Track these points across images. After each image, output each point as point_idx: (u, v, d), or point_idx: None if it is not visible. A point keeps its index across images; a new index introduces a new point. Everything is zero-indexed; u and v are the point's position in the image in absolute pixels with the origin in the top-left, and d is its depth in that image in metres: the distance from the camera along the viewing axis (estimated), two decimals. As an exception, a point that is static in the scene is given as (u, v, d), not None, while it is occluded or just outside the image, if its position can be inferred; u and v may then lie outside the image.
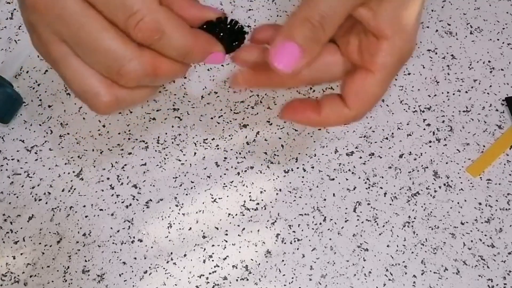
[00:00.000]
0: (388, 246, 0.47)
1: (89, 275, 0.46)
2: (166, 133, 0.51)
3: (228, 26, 0.31)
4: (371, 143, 0.51)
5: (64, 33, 0.27)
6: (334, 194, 0.49)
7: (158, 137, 0.51)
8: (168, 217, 0.48)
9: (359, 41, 0.32)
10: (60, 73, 0.29)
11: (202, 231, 0.47)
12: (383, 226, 0.48)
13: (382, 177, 0.49)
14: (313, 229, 0.47)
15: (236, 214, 0.48)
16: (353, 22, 0.32)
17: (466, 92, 0.53)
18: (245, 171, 0.50)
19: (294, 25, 0.29)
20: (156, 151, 0.51)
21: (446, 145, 0.51)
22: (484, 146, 0.51)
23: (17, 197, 0.49)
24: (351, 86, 0.32)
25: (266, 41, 0.34)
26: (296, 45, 0.29)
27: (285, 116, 0.34)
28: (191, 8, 0.29)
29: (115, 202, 0.49)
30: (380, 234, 0.47)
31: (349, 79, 0.32)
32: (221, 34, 0.31)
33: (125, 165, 0.50)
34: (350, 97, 0.32)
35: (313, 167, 0.50)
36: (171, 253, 0.47)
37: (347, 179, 0.49)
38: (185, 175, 0.50)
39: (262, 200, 0.49)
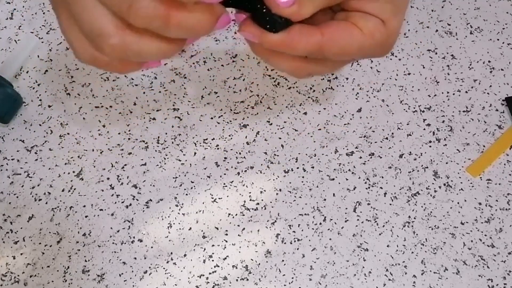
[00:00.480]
0: (388, 246, 0.47)
1: (89, 275, 0.46)
2: (166, 133, 0.51)
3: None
4: (371, 143, 0.51)
5: None
6: (334, 194, 0.49)
7: (158, 137, 0.51)
8: (168, 217, 0.48)
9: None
10: (73, 11, 0.28)
11: (202, 231, 0.47)
12: (383, 226, 0.48)
13: (382, 177, 0.49)
14: (313, 229, 0.47)
15: (236, 214, 0.48)
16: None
17: (466, 92, 0.53)
18: (245, 171, 0.50)
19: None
20: (156, 151, 0.51)
21: (446, 145, 0.51)
22: (484, 146, 0.51)
23: (17, 197, 0.49)
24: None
25: None
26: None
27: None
28: None
29: (115, 202, 0.49)
30: (380, 234, 0.47)
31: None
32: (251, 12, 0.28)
33: (125, 165, 0.50)
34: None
35: (313, 167, 0.50)
36: (171, 253, 0.47)
37: (347, 179, 0.49)
38: (185, 175, 0.50)
39: (262, 200, 0.49)
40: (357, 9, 0.31)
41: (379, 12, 0.31)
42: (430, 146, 0.51)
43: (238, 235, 0.47)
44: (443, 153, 0.51)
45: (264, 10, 0.28)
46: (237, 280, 0.46)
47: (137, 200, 0.49)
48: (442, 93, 0.53)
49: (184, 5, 0.28)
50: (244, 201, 0.49)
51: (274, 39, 0.30)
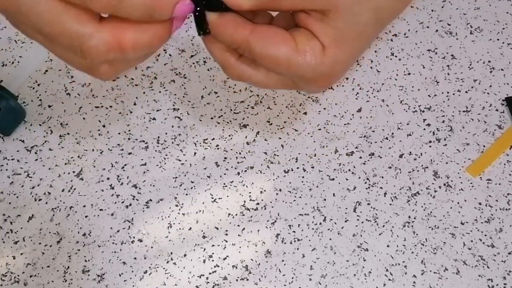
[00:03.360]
0: (388, 246, 0.47)
1: (89, 275, 0.46)
2: (166, 133, 0.51)
3: None
4: (371, 143, 0.51)
5: (29, 24, 0.28)
6: (334, 194, 0.49)
7: (158, 137, 0.51)
8: (168, 217, 0.48)
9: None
10: (43, 32, 0.29)
11: (202, 231, 0.47)
12: (383, 226, 0.48)
13: (382, 177, 0.49)
14: (313, 229, 0.47)
15: (236, 214, 0.48)
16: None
17: (466, 92, 0.53)
18: (245, 171, 0.50)
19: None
20: (156, 151, 0.51)
21: (446, 145, 0.51)
22: (484, 146, 0.51)
23: (17, 197, 0.49)
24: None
25: None
26: None
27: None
28: None
29: (115, 202, 0.49)
30: (380, 234, 0.47)
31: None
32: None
33: (125, 165, 0.50)
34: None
35: (313, 167, 0.50)
36: (171, 253, 0.47)
37: (347, 179, 0.49)
38: (185, 175, 0.50)
39: (262, 200, 0.49)
40: (304, 25, 0.30)
41: (321, 34, 0.30)
42: (430, 146, 0.51)
43: (238, 235, 0.47)
44: (443, 153, 0.51)
45: None
46: (237, 280, 0.46)
47: (137, 200, 0.49)
48: (442, 93, 0.53)
49: (133, 27, 0.28)
50: (244, 201, 0.49)
51: (208, 17, 0.30)
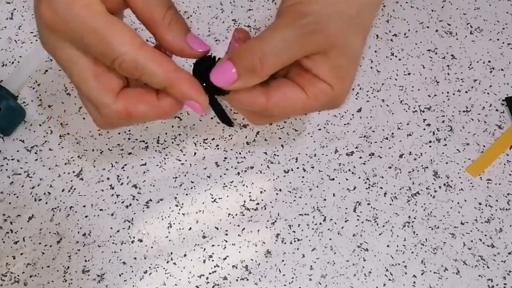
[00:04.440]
0: (388, 246, 0.47)
1: (89, 275, 0.46)
2: (166, 133, 0.51)
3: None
4: (371, 143, 0.51)
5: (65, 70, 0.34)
6: (334, 194, 0.49)
7: (158, 137, 0.51)
8: (168, 217, 0.48)
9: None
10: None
11: (202, 231, 0.47)
12: (383, 226, 0.48)
13: (382, 177, 0.49)
14: (313, 229, 0.47)
15: (236, 214, 0.48)
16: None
17: (466, 92, 0.53)
18: (245, 171, 0.50)
19: (240, 53, 0.33)
20: (156, 151, 0.51)
21: (446, 145, 0.51)
22: (484, 146, 0.51)
23: (17, 197, 0.49)
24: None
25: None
26: (234, 70, 0.33)
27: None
28: (177, 42, 0.34)
29: (115, 202, 0.49)
30: (380, 234, 0.47)
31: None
32: (205, 84, 0.34)
33: (125, 165, 0.50)
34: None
35: (313, 167, 0.50)
36: (171, 253, 0.47)
37: (347, 179, 0.49)
38: (185, 175, 0.50)
39: (262, 200, 0.49)
40: (308, 68, 0.34)
41: (327, 77, 0.33)
42: (430, 146, 0.51)
43: (238, 235, 0.47)
44: (443, 153, 0.51)
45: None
46: (237, 280, 0.46)
47: (137, 200, 0.49)
48: (442, 93, 0.53)
49: (145, 102, 0.34)
50: (244, 201, 0.49)
51: (225, 98, 0.35)
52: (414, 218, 0.48)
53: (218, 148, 0.51)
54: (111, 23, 0.31)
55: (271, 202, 0.48)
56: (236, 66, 0.33)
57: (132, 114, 0.34)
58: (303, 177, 0.49)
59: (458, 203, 0.49)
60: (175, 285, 0.45)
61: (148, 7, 0.33)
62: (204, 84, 0.34)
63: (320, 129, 0.51)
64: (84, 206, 0.48)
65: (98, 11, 0.31)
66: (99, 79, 0.33)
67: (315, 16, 0.31)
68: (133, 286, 0.45)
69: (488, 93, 0.53)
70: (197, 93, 0.33)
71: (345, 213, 0.48)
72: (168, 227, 0.48)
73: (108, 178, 0.50)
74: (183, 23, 0.34)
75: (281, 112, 0.35)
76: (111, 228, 0.48)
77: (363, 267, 0.46)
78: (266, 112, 0.35)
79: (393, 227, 0.47)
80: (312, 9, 0.31)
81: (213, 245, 0.47)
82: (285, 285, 0.45)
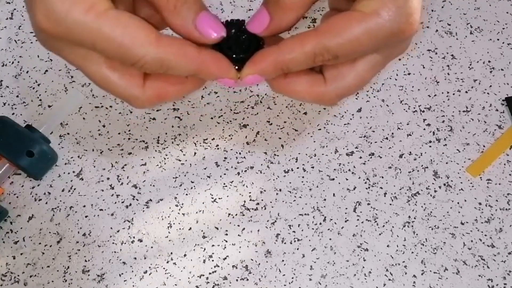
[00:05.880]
0: (388, 246, 0.47)
1: (89, 275, 0.46)
2: (166, 133, 0.51)
3: (242, 36, 0.32)
4: (371, 143, 0.51)
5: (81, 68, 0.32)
6: (334, 194, 0.49)
7: (158, 137, 0.51)
8: (168, 217, 0.48)
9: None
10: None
11: (202, 231, 0.47)
12: (383, 226, 0.48)
13: (382, 177, 0.49)
14: (313, 229, 0.47)
15: (236, 214, 0.48)
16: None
17: (466, 92, 0.53)
18: (245, 171, 0.50)
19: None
20: (156, 151, 0.51)
21: (446, 145, 0.51)
22: (484, 146, 0.51)
23: (17, 197, 0.49)
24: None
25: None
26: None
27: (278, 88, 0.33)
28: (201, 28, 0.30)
29: (115, 202, 0.49)
30: (380, 234, 0.47)
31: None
32: (234, 55, 0.32)
33: (125, 165, 0.50)
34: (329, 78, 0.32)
35: (313, 167, 0.50)
36: (171, 253, 0.47)
37: (347, 179, 0.49)
38: (185, 175, 0.50)
39: (262, 200, 0.49)
40: None
41: None
42: (430, 146, 0.51)
43: (238, 235, 0.47)
44: (443, 153, 0.51)
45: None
46: (237, 280, 0.46)
47: (137, 200, 0.49)
48: (442, 93, 0.53)
49: (174, 84, 0.32)
50: (244, 201, 0.49)
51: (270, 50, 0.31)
52: (414, 218, 0.48)
53: (218, 148, 0.51)
54: (122, 24, 0.28)
55: (271, 202, 0.48)
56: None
57: (164, 97, 0.32)
58: (303, 177, 0.49)
59: (458, 203, 0.48)
60: (175, 285, 0.45)
61: None
62: (234, 56, 0.32)
63: (320, 129, 0.51)
64: (84, 206, 0.48)
65: (103, 13, 0.28)
66: (121, 75, 0.30)
67: None
68: (133, 286, 0.45)
69: (488, 93, 0.53)
70: (226, 70, 0.31)
71: (345, 213, 0.48)
72: (168, 227, 0.48)
73: (108, 178, 0.50)
74: (193, 3, 0.30)
75: (342, 41, 0.28)
76: (111, 228, 0.48)
77: (363, 267, 0.46)
78: (325, 51, 0.29)
79: (393, 227, 0.47)
80: None
81: (213, 245, 0.47)
82: (285, 285, 0.45)
